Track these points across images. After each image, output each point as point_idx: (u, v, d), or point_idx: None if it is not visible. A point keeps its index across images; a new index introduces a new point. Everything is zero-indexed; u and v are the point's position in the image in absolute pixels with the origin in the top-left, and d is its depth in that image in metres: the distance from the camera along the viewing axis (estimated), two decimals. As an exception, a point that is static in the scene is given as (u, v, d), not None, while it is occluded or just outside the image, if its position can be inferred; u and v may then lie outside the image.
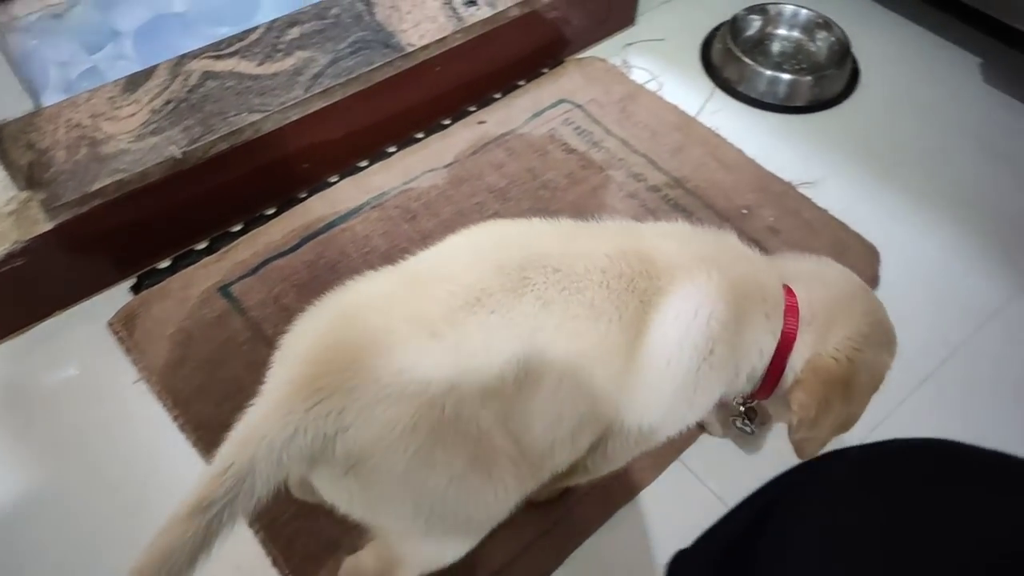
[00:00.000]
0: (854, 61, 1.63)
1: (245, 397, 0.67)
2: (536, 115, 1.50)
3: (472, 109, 1.53)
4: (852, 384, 0.83)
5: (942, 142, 1.51)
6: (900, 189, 1.44)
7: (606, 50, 1.66)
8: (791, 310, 0.83)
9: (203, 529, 0.61)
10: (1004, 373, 1.20)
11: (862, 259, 1.31)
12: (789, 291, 0.84)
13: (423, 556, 0.79)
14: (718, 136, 1.49)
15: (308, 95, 1.29)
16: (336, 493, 0.71)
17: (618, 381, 0.75)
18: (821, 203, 1.39)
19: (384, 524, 0.76)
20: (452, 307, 0.69)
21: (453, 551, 0.78)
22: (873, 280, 1.29)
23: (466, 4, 1.43)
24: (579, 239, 0.78)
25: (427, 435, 0.65)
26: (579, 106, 1.52)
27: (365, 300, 0.72)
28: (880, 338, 0.86)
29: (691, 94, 1.58)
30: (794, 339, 0.82)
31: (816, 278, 0.87)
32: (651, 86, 1.58)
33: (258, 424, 0.64)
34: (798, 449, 0.88)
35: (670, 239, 0.81)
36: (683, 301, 0.76)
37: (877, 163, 1.47)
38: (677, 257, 0.78)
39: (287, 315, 1.18)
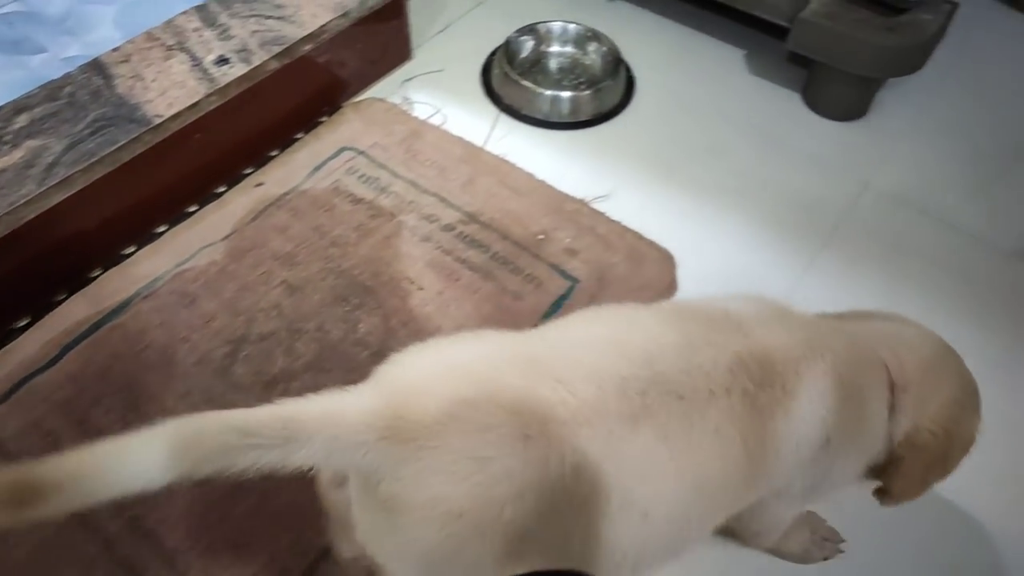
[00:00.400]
0: (628, 69, 1.66)
1: None
2: (317, 168, 1.43)
3: (248, 171, 1.43)
4: (949, 458, 0.82)
5: (719, 136, 1.57)
6: (687, 189, 1.47)
7: (385, 89, 1.61)
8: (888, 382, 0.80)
9: (230, 447, 0.59)
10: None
11: (659, 267, 1.33)
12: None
13: None
14: (507, 163, 1.47)
15: (43, 188, 1.15)
16: (364, 517, 0.69)
17: (743, 499, 0.77)
18: (615, 215, 1.40)
19: (388, 569, 0.72)
20: (557, 418, 0.65)
21: None
22: (671, 286, 1.31)
23: (217, 63, 1.33)
24: (700, 348, 0.72)
25: (471, 526, 0.63)
26: (362, 152, 1.46)
27: (480, 364, 0.69)
28: (972, 401, 0.84)
29: (477, 123, 1.56)
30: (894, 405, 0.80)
31: (900, 341, 0.83)
32: (435, 120, 1.55)
33: (337, 417, 0.63)
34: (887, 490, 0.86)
35: (775, 327, 0.77)
36: (805, 406, 0.74)
37: (663, 166, 1.51)
38: (792, 350, 0.75)
39: (54, 441, 1.07)
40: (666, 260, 1.34)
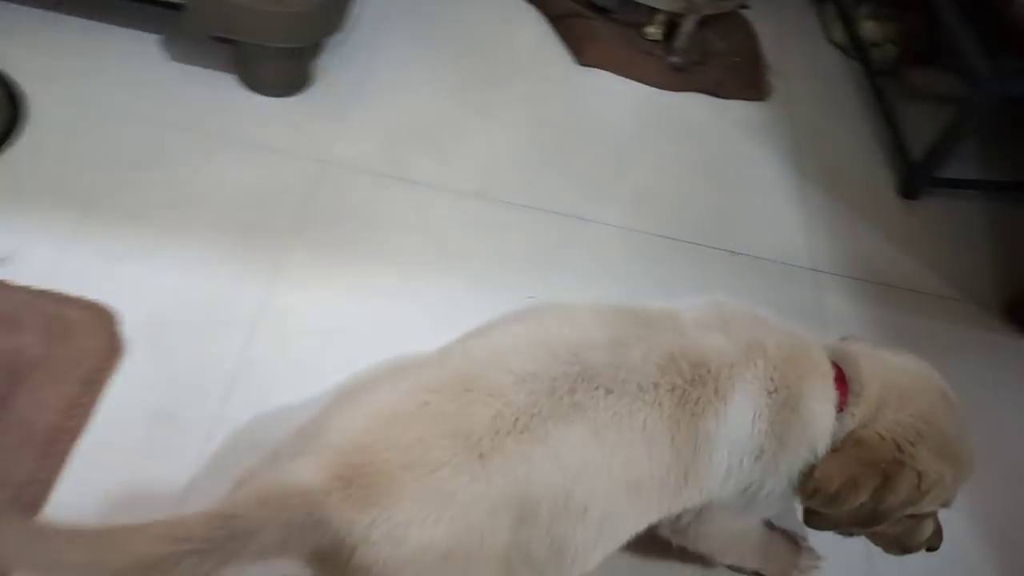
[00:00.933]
0: (9, 87, 1.33)
1: None
2: None
3: None
4: (892, 478, 0.75)
5: (147, 144, 1.33)
6: (116, 219, 1.23)
7: None
8: (839, 380, 0.78)
9: (160, 558, 0.55)
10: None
11: (93, 329, 1.08)
12: (834, 364, 0.80)
13: None
14: None
15: None
16: None
17: (673, 499, 0.75)
18: (20, 281, 1.11)
19: None
20: (500, 430, 0.65)
21: None
22: (114, 348, 1.07)
23: None
24: (629, 345, 0.73)
25: (460, 563, 0.64)
26: None
27: (410, 403, 0.66)
28: (944, 448, 0.77)
29: None
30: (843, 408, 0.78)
31: (880, 363, 0.81)
32: None
33: (284, 500, 0.59)
34: (806, 517, 0.86)
35: (714, 331, 0.77)
36: (736, 410, 0.73)
37: (79, 200, 1.23)
38: (726, 354, 0.75)
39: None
40: (101, 317, 1.10)
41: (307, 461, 0.63)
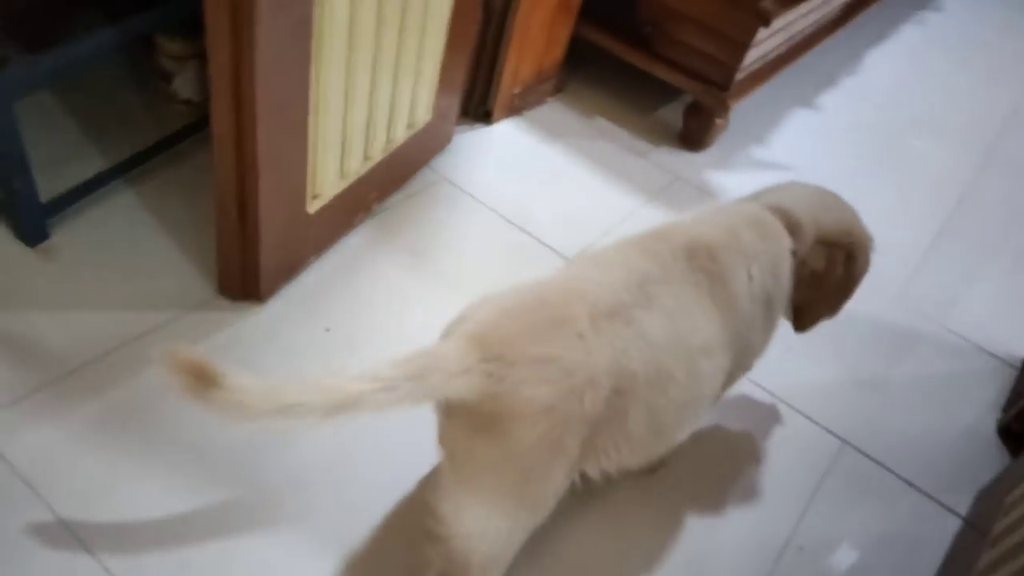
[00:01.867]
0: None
1: None
2: None
3: None
4: (853, 253, 1.10)
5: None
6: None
7: None
8: (786, 226, 1.04)
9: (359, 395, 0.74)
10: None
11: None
12: (778, 215, 1.05)
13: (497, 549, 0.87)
14: None
15: None
16: (459, 442, 0.84)
17: (731, 349, 0.97)
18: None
19: (478, 488, 0.83)
20: (595, 317, 0.83)
21: (518, 532, 0.87)
22: None
23: None
24: (661, 253, 0.94)
25: (560, 419, 0.79)
26: None
27: (528, 300, 0.86)
28: (861, 229, 1.12)
29: None
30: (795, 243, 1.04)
31: (789, 196, 1.09)
32: None
33: (441, 354, 0.79)
34: (796, 321, 1.17)
35: (703, 224, 1.00)
36: (743, 275, 0.97)
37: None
38: (718, 237, 0.97)
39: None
40: None
41: (452, 336, 0.83)
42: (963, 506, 1.29)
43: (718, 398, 1.04)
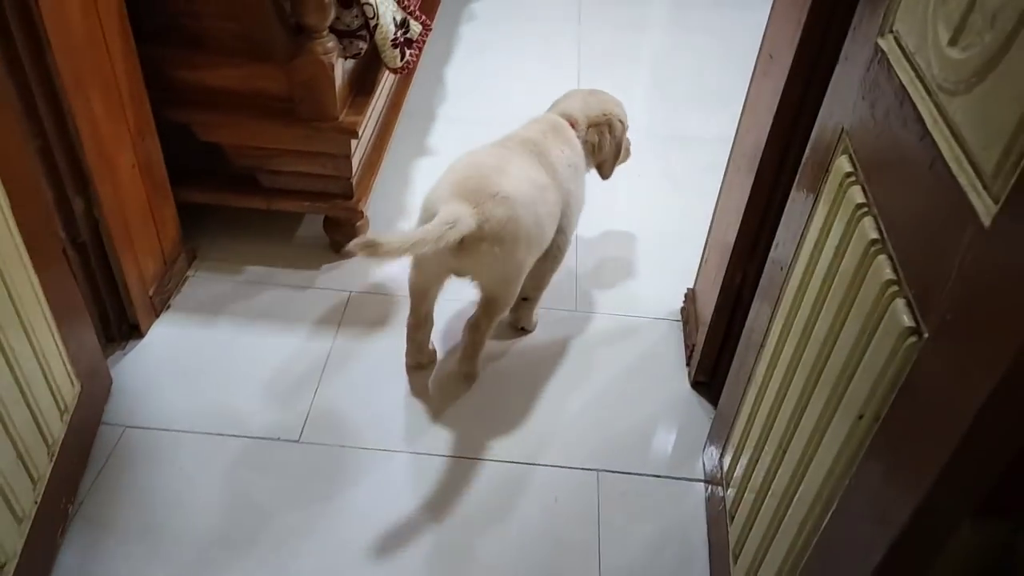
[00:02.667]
0: None
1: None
2: None
3: None
4: (612, 125, 1.74)
5: None
6: None
7: None
8: (571, 125, 1.70)
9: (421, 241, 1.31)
10: None
11: None
12: (565, 119, 1.70)
13: (508, 299, 1.56)
14: None
15: None
16: (480, 258, 1.41)
17: (557, 192, 1.58)
18: None
19: (497, 275, 1.49)
20: (502, 170, 1.47)
21: (513, 297, 1.58)
22: None
23: None
24: (510, 147, 1.58)
25: (532, 223, 1.46)
26: None
27: (467, 161, 1.52)
28: (614, 107, 1.79)
29: None
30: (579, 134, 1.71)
31: (568, 101, 1.77)
32: None
33: (456, 207, 1.36)
34: (600, 171, 1.81)
35: (526, 131, 1.63)
36: (557, 152, 1.60)
37: None
38: (536, 135, 1.61)
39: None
40: None
41: (441, 194, 1.42)
42: (700, 471, 1.54)
43: (563, 236, 1.65)
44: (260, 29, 1.65)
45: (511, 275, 1.49)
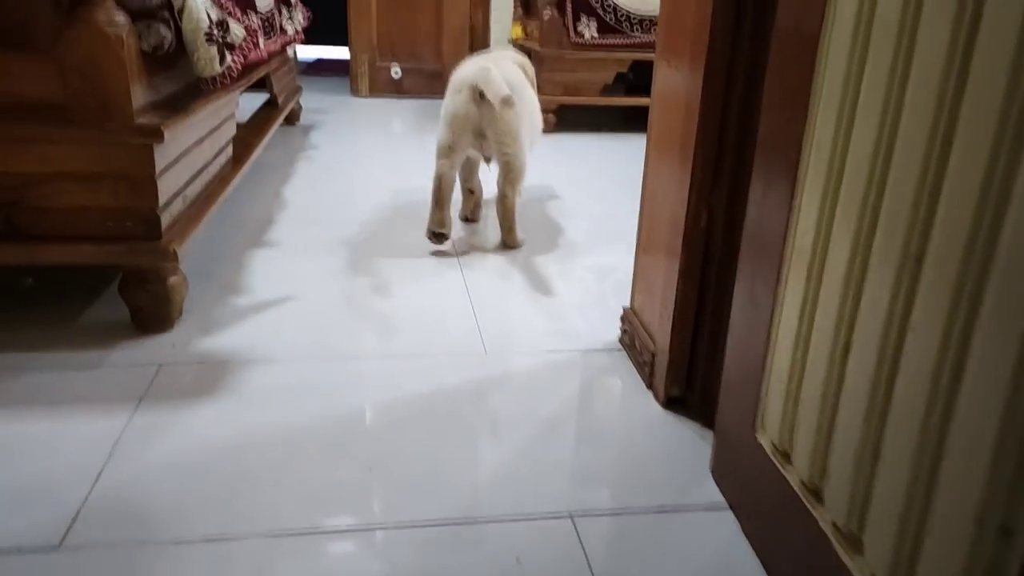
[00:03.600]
0: None
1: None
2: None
3: None
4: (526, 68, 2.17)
5: None
6: None
7: None
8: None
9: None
10: None
11: None
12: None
13: (523, 160, 1.90)
14: None
15: None
16: (499, 118, 1.82)
17: (530, 90, 2.07)
18: None
19: (511, 134, 1.85)
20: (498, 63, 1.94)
21: (522, 162, 1.90)
22: None
23: None
24: (496, 59, 2.03)
25: (527, 90, 2.01)
26: None
27: (474, 60, 1.92)
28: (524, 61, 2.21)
29: None
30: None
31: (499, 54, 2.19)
32: None
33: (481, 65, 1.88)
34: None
35: (499, 61, 1.99)
36: (516, 75, 2.01)
37: None
38: (512, 55, 2.16)
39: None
40: None
41: (466, 70, 1.91)
42: (708, 494, 1.04)
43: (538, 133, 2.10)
44: (18, 5, 1.22)
45: (518, 132, 1.87)
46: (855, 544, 0.73)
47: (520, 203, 1.91)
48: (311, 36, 3.07)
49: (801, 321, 0.84)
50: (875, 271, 0.70)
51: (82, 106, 1.25)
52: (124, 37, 1.24)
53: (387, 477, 1.03)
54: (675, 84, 1.20)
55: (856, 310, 0.73)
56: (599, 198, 2.42)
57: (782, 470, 0.87)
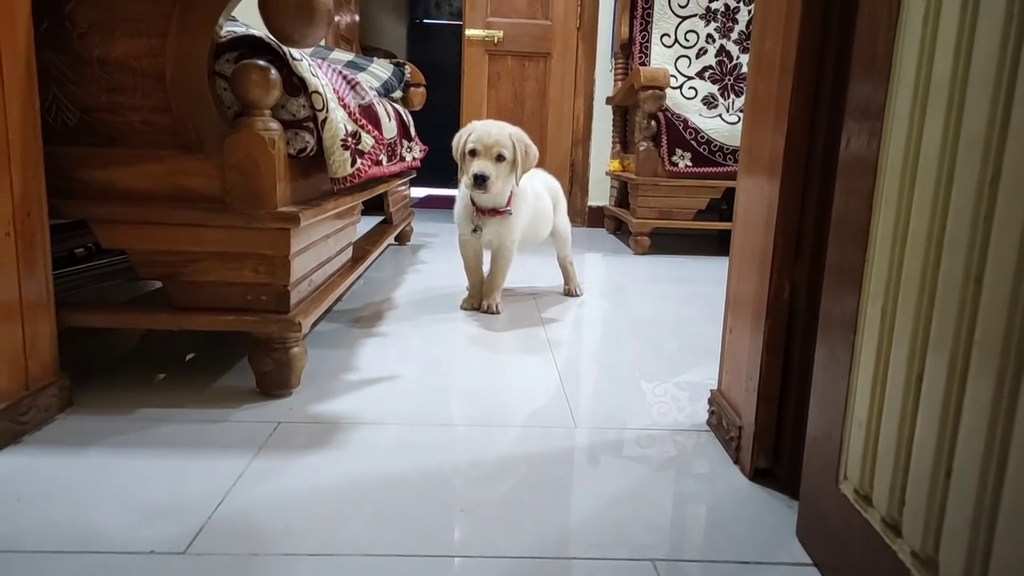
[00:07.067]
0: None
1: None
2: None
3: None
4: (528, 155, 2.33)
5: None
6: None
7: None
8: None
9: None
10: None
11: None
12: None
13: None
14: None
15: None
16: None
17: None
18: None
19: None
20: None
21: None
22: None
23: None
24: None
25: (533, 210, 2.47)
26: None
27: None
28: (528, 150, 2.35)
29: None
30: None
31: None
32: None
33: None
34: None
35: (530, 180, 2.48)
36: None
37: None
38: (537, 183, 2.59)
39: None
40: None
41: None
42: (794, 554, 1.04)
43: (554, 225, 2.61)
44: (194, 117, 1.48)
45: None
46: (931, 566, 0.74)
47: (580, 302, 2.00)
48: (423, 177, 3.40)
49: (878, 363, 0.88)
50: (941, 299, 0.76)
51: (237, 197, 1.47)
52: (276, 140, 1.47)
53: (478, 517, 1.09)
54: (756, 183, 1.31)
55: (927, 339, 0.78)
56: (689, 318, 2.49)
57: (864, 514, 0.89)
